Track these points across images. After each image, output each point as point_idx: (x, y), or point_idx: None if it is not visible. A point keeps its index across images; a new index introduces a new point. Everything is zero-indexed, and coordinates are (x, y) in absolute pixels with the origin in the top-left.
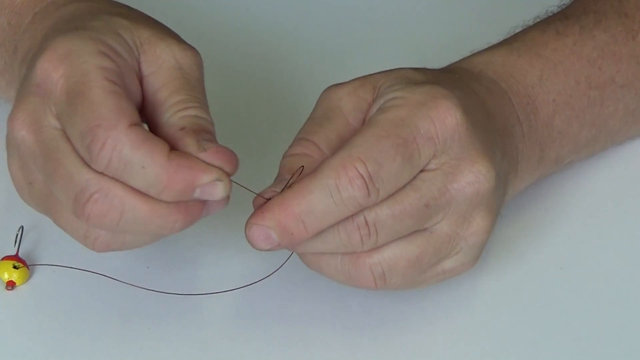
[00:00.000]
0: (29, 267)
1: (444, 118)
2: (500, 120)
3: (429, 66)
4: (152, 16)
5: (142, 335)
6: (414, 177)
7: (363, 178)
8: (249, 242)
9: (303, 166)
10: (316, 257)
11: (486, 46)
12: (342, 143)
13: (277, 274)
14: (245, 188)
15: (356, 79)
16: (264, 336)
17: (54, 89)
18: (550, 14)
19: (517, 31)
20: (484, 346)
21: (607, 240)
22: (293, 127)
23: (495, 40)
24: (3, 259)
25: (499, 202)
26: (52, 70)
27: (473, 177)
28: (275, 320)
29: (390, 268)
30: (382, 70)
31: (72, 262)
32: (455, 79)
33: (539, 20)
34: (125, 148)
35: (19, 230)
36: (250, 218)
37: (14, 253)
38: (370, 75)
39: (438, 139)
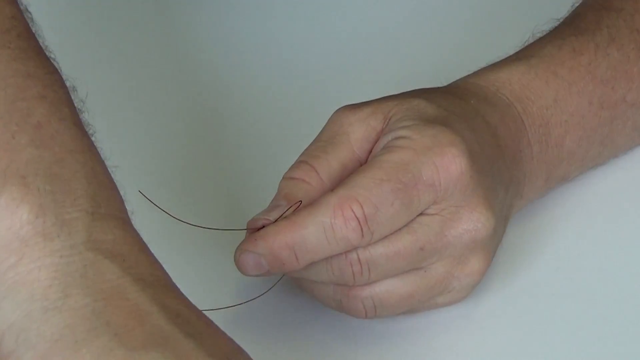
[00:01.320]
0: None
1: (449, 166)
2: (510, 148)
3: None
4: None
5: None
6: (412, 220)
7: (358, 220)
8: (237, 267)
9: (301, 201)
10: (308, 282)
11: (503, 55)
12: (344, 172)
13: (272, 290)
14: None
15: (369, 104)
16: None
17: None
18: (562, 21)
19: (530, 41)
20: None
21: (614, 248)
22: (297, 135)
23: (506, 44)
24: None
25: (496, 243)
26: None
27: (472, 224)
28: (270, 337)
29: (381, 302)
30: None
31: None
32: (469, 109)
33: (552, 27)
34: None
35: None
36: (241, 244)
37: None
38: (383, 101)
39: (440, 187)
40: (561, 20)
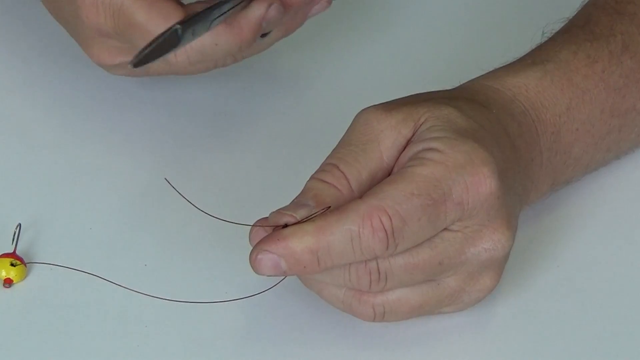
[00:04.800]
0: (27, 264)
1: (479, 186)
2: (524, 159)
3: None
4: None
5: (138, 335)
6: (434, 235)
7: (386, 231)
8: (252, 265)
9: (330, 207)
10: (317, 282)
11: (512, 53)
12: (372, 182)
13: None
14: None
15: (400, 109)
16: (264, 347)
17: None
18: (575, 22)
19: (541, 40)
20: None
21: (616, 249)
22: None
23: (516, 42)
24: (0, 256)
25: (507, 258)
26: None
27: (491, 244)
28: (274, 333)
29: (392, 310)
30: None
31: (70, 260)
32: (493, 120)
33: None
34: None
35: (16, 228)
36: (261, 243)
37: (11, 250)
38: (413, 107)
39: (467, 205)
40: (572, 18)
